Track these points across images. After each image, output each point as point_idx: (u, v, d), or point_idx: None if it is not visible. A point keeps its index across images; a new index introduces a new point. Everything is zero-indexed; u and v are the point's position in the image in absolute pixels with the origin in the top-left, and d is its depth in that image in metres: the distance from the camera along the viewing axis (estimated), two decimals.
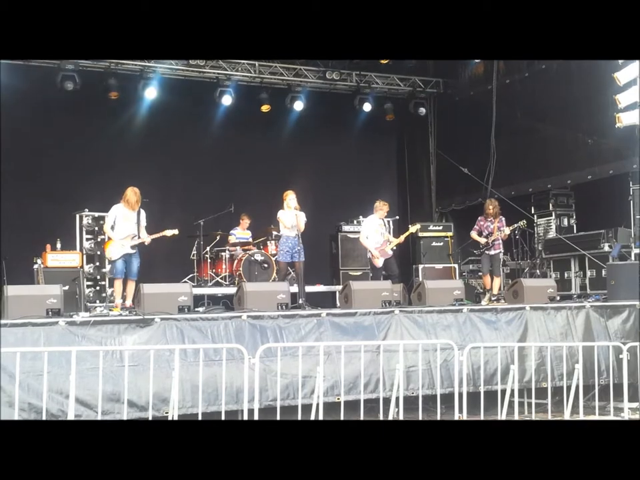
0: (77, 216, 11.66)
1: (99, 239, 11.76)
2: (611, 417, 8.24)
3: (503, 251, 11.39)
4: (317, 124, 14.44)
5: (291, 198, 10.39)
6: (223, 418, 7.14)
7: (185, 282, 11.82)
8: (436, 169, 15.77)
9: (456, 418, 7.79)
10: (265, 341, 8.04)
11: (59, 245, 11.35)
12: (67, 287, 9.43)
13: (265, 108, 13.96)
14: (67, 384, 6.68)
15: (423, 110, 15.19)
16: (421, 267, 13.82)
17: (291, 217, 10.32)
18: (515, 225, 11.35)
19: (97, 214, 11.73)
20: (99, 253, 11.71)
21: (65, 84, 12.34)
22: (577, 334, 9.50)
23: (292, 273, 11.20)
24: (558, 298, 10.42)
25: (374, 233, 11.11)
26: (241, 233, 12.71)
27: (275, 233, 12.06)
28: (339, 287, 11.95)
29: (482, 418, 7.83)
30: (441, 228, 14.44)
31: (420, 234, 13.64)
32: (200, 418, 7.05)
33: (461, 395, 7.86)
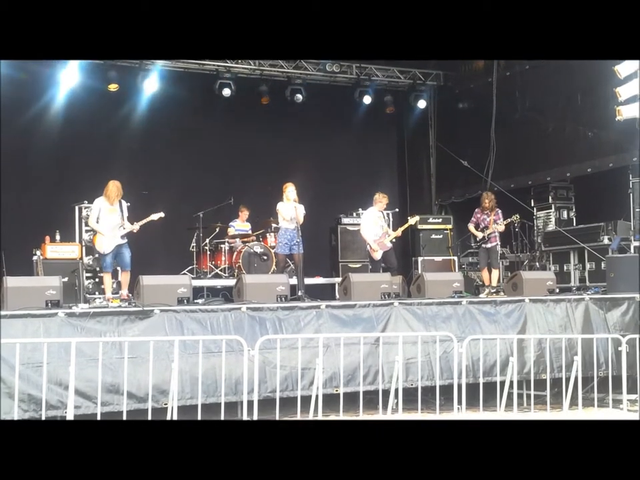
0: (76, 208, 11.63)
1: None
2: (610, 409, 8.27)
3: (499, 243, 11.38)
4: (316, 116, 14.41)
5: (290, 190, 10.38)
6: (222, 409, 7.15)
7: (185, 274, 11.80)
8: (436, 161, 15.72)
9: (455, 409, 7.81)
10: (264, 332, 8.04)
11: (58, 237, 11.33)
12: (66, 279, 9.46)
13: (265, 100, 13.94)
14: (67, 375, 6.71)
15: (423, 102, 15.18)
16: (420, 259, 13.83)
17: (290, 209, 10.31)
18: (509, 220, 11.35)
19: None
20: None
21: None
22: (576, 326, 9.50)
23: (291, 265, 11.20)
24: (557, 290, 10.44)
25: (373, 225, 11.10)
26: (240, 225, 12.69)
27: (274, 225, 12.05)
28: (338, 279, 11.94)
29: (481, 409, 7.86)
30: (440, 220, 14.43)
31: (419, 226, 13.65)
32: (199, 410, 7.07)
33: (460, 386, 7.89)
